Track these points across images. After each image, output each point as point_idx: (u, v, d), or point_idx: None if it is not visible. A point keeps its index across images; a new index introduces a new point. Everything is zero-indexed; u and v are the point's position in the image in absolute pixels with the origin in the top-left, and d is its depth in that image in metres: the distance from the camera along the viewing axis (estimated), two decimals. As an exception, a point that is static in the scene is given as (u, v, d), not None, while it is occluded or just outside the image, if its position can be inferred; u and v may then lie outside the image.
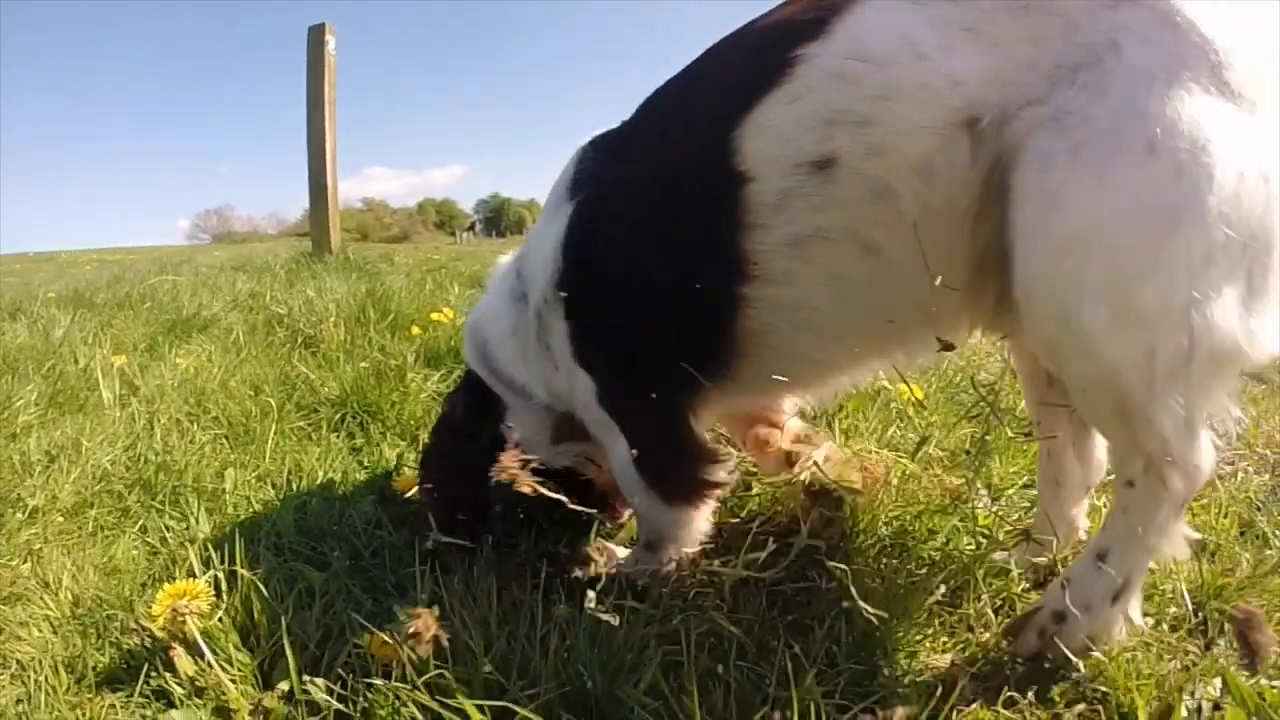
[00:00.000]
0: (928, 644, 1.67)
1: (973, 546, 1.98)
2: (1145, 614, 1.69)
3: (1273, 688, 1.50)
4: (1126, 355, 1.45)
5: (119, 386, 3.44)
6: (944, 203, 1.56)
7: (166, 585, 1.51)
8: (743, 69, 1.67)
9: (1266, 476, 2.75)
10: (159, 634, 1.53)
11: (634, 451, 1.84)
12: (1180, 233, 1.40)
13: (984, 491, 2.22)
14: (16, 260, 21.91)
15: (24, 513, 2.31)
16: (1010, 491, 2.27)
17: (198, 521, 2.23)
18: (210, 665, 1.42)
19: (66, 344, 4.38)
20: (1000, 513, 2.11)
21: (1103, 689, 1.51)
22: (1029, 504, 2.19)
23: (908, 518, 2.05)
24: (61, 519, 2.30)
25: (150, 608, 1.59)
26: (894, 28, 1.56)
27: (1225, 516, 2.29)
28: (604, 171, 1.86)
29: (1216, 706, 1.49)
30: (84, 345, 4.39)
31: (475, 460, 1.86)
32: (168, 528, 2.22)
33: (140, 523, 2.28)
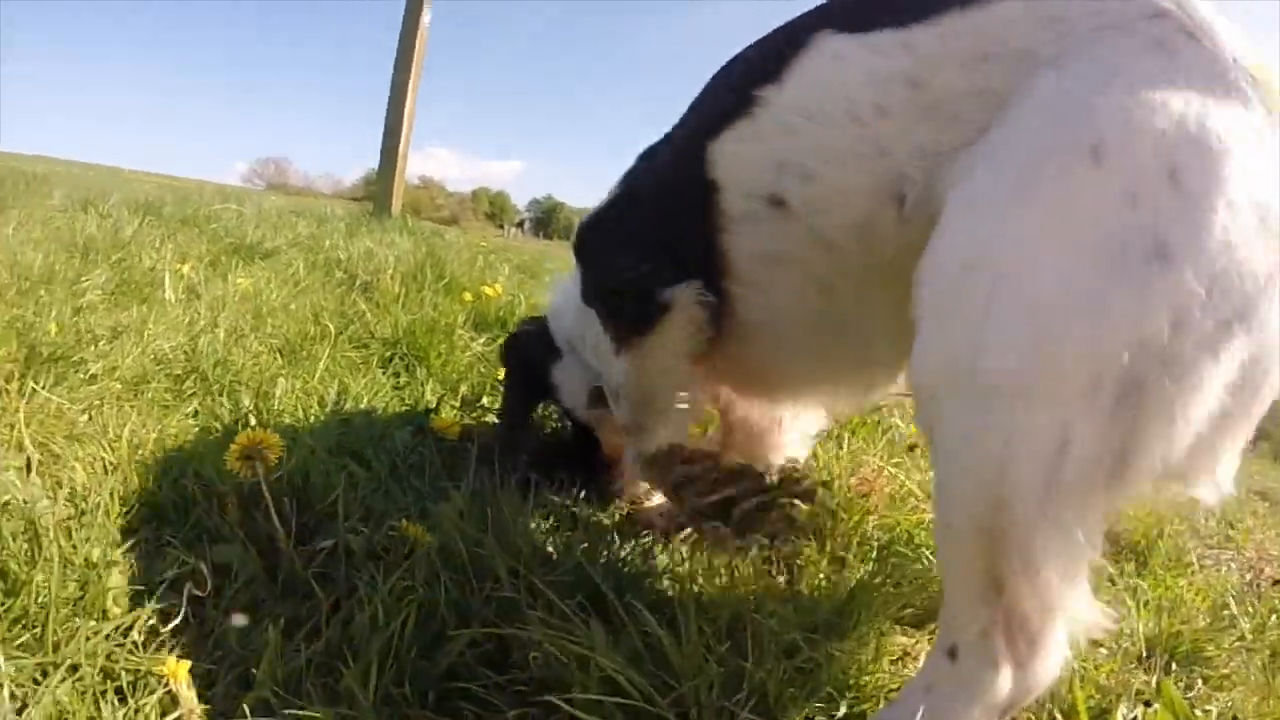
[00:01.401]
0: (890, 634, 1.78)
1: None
2: (1096, 641, 1.84)
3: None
4: (1023, 444, 1.16)
5: (182, 290, 3.59)
6: (884, 262, 1.51)
7: (243, 431, 1.64)
8: (725, 91, 1.78)
9: (1248, 575, 2.95)
10: (216, 482, 1.69)
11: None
12: (1129, 275, 1.15)
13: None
14: (82, 167, 22.28)
15: (85, 375, 2.43)
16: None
17: (250, 413, 2.37)
18: (262, 515, 1.57)
19: (135, 243, 4.54)
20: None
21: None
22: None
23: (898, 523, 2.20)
24: (120, 387, 2.42)
25: (203, 464, 1.76)
26: (836, 82, 1.56)
27: (1198, 595, 2.47)
28: (636, 170, 2.08)
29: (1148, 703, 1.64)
30: (151, 248, 4.55)
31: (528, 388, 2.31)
32: (218, 414, 2.36)
33: (194, 405, 2.42)
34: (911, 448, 2.97)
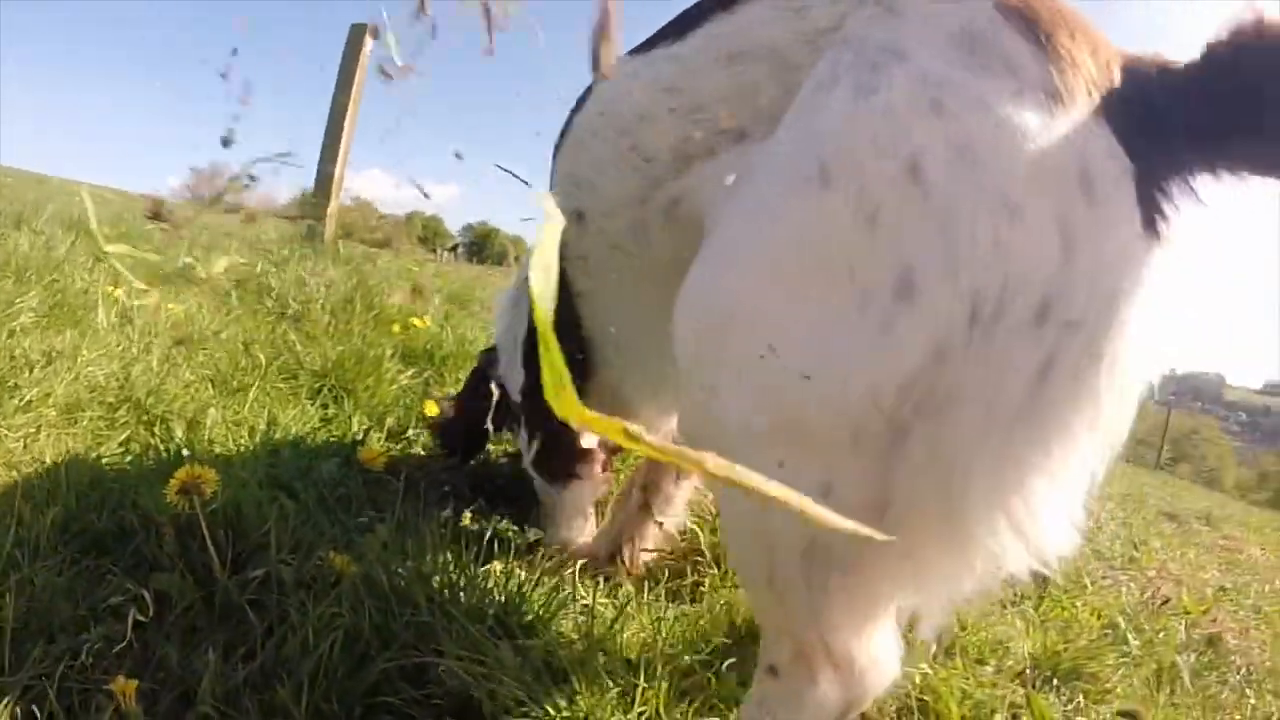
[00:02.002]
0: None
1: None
2: (980, 660, 2.04)
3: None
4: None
5: (115, 314, 3.65)
6: (669, 261, 1.47)
7: (181, 468, 1.76)
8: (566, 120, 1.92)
9: (1146, 595, 3.19)
10: (153, 513, 1.80)
11: (527, 438, 2.28)
12: (872, 314, 1.07)
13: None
14: (7, 174, 21.79)
15: (20, 401, 2.48)
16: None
17: (181, 446, 2.45)
18: (197, 545, 1.69)
19: (68, 263, 4.58)
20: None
21: (926, 698, 1.81)
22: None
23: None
24: (54, 414, 2.49)
25: (139, 494, 1.88)
26: (616, 98, 1.65)
27: (1092, 614, 2.72)
28: None
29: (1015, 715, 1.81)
30: (84, 269, 4.59)
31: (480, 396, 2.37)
32: (151, 444, 2.45)
33: (127, 434, 2.50)
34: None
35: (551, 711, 1.45)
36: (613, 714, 1.47)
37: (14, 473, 2.04)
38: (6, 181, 16.77)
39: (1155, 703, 2.14)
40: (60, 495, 1.87)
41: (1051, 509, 1.08)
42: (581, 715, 1.46)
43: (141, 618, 1.46)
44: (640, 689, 1.53)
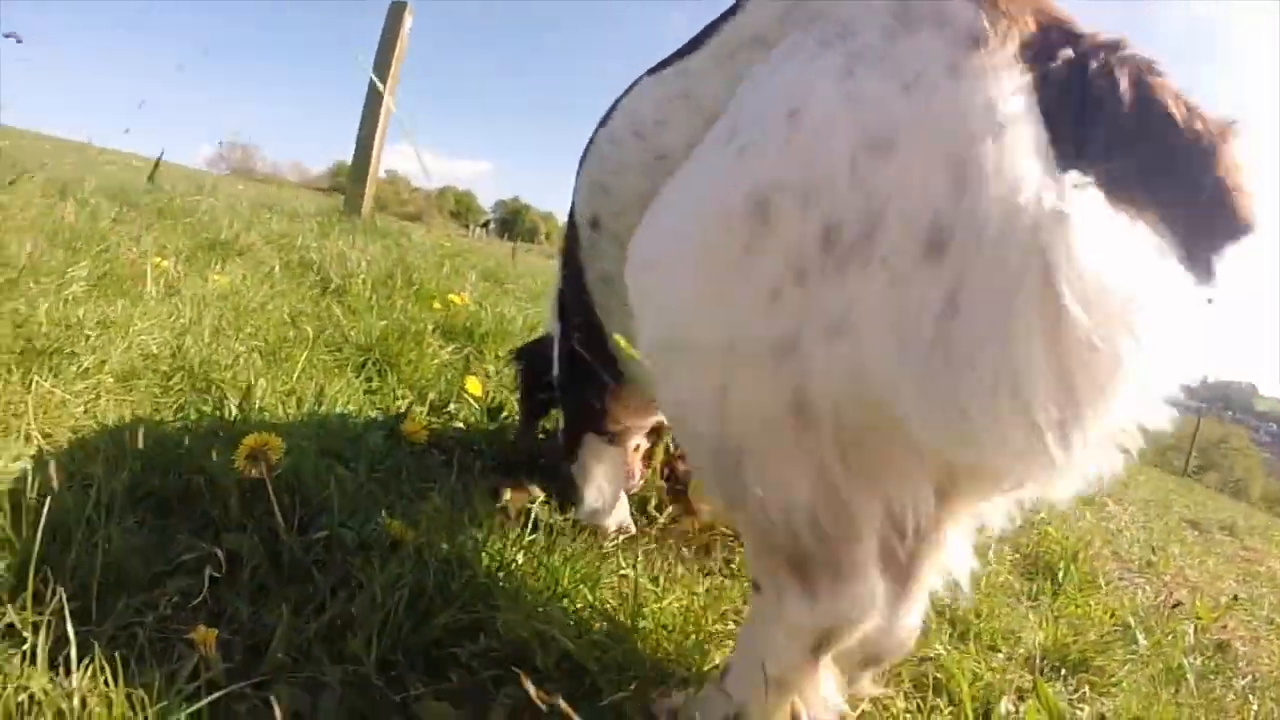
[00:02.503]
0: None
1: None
2: (993, 647, 2.14)
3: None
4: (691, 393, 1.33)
5: (162, 285, 3.74)
6: None
7: (249, 435, 1.85)
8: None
9: (1160, 598, 3.27)
10: (219, 477, 1.90)
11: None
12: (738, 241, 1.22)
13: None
14: (46, 140, 21.98)
15: (78, 368, 2.56)
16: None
17: (235, 414, 2.54)
18: (262, 509, 1.78)
19: (114, 234, 4.68)
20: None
21: (939, 676, 1.90)
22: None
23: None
24: (112, 381, 2.57)
25: (202, 458, 1.97)
26: (632, 110, 1.81)
27: (1104, 612, 2.80)
28: None
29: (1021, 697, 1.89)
30: (130, 240, 4.69)
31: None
32: (207, 412, 2.53)
33: (182, 401, 2.59)
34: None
35: (596, 666, 1.56)
36: (651, 670, 1.55)
37: (80, 436, 2.11)
38: (46, 149, 17.02)
39: (1159, 699, 2.20)
40: (127, 459, 1.94)
41: (981, 422, 1.10)
42: (622, 668, 1.57)
43: (215, 574, 1.55)
44: (675, 649, 1.62)
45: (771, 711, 1.38)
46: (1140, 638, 2.65)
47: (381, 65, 7.77)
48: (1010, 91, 1.11)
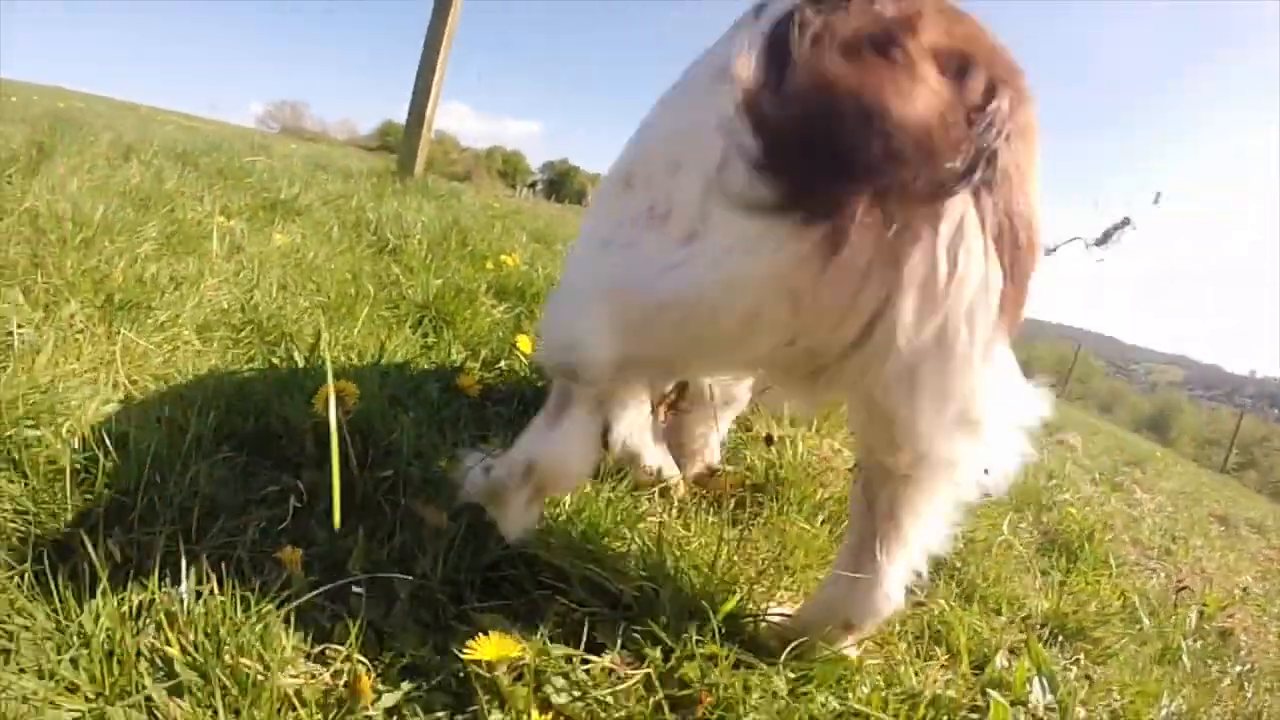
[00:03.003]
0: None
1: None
2: (997, 610, 2.29)
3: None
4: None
5: (227, 243, 3.93)
6: None
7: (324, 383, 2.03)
8: None
9: (1167, 583, 3.41)
10: (298, 420, 2.09)
11: None
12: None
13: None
14: (101, 102, 22.47)
15: (156, 322, 2.73)
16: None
17: (303, 363, 2.72)
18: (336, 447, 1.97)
19: (179, 193, 4.88)
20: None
21: (940, 629, 2.05)
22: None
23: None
24: (189, 333, 2.75)
25: (279, 403, 2.16)
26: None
27: (1113, 591, 2.93)
28: None
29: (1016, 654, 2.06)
30: (194, 199, 4.90)
31: None
32: (277, 363, 2.71)
33: (254, 353, 2.77)
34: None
35: (633, 593, 1.74)
36: (678, 604, 1.73)
37: (164, 384, 2.29)
38: (101, 110, 17.39)
39: (1149, 674, 2.34)
40: (209, 403, 2.11)
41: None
42: (649, 599, 1.73)
43: (298, 504, 1.74)
44: (701, 583, 1.80)
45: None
46: (1145, 618, 2.80)
47: (435, 27, 7.83)
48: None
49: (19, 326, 2.28)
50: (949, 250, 1.26)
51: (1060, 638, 2.41)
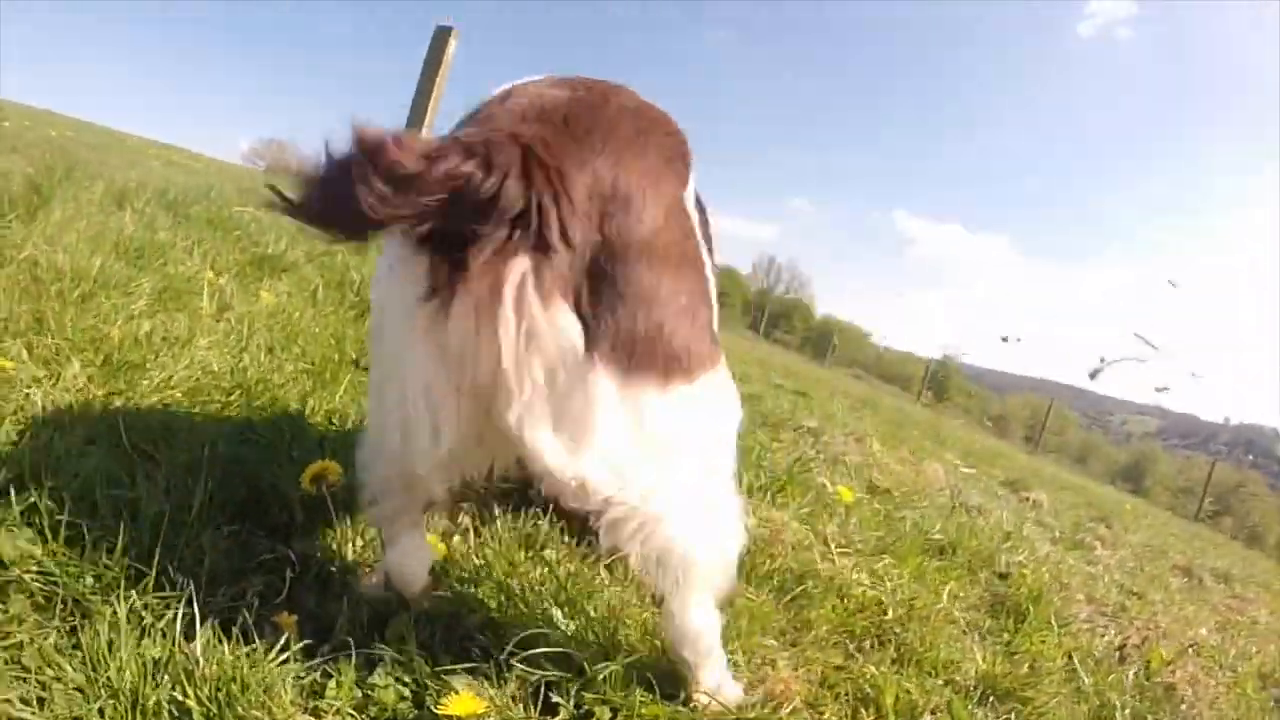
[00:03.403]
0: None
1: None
2: (933, 673, 2.54)
3: None
4: None
5: (215, 301, 4.12)
6: None
7: (314, 462, 2.25)
8: None
9: (1123, 640, 3.64)
10: (287, 490, 2.30)
11: None
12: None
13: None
14: (91, 131, 22.63)
15: (150, 383, 2.90)
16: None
17: (290, 432, 2.87)
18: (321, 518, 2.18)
19: (170, 246, 5.08)
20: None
21: (870, 691, 2.30)
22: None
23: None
24: (180, 395, 2.93)
25: (269, 472, 2.37)
26: None
27: (1056, 650, 3.15)
28: None
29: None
30: (184, 252, 5.09)
31: None
32: (265, 429, 2.85)
33: (244, 417, 2.92)
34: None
35: (585, 659, 1.91)
36: (626, 669, 1.93)
37: (158, 447, 2.44)
38: (91, 140, 17.55)
39: None
40: (203, 469, 2.27)
41: None
42: (603, 664, 1.90)
43: (291, 573, 1.96)
44: (649, 651, 2.03)
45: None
46: (1085, 676, 2.96)
47: (424, 87, 8.02)
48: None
49: (27, 387, 2.46)
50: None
51: (991, 698, 2.56)
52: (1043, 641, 3.18)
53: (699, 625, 1.83)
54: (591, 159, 1.57)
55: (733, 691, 1.96)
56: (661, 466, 1.66)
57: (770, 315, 61.61)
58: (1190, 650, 3.96)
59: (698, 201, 1.87)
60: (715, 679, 1.92)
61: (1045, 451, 38.79)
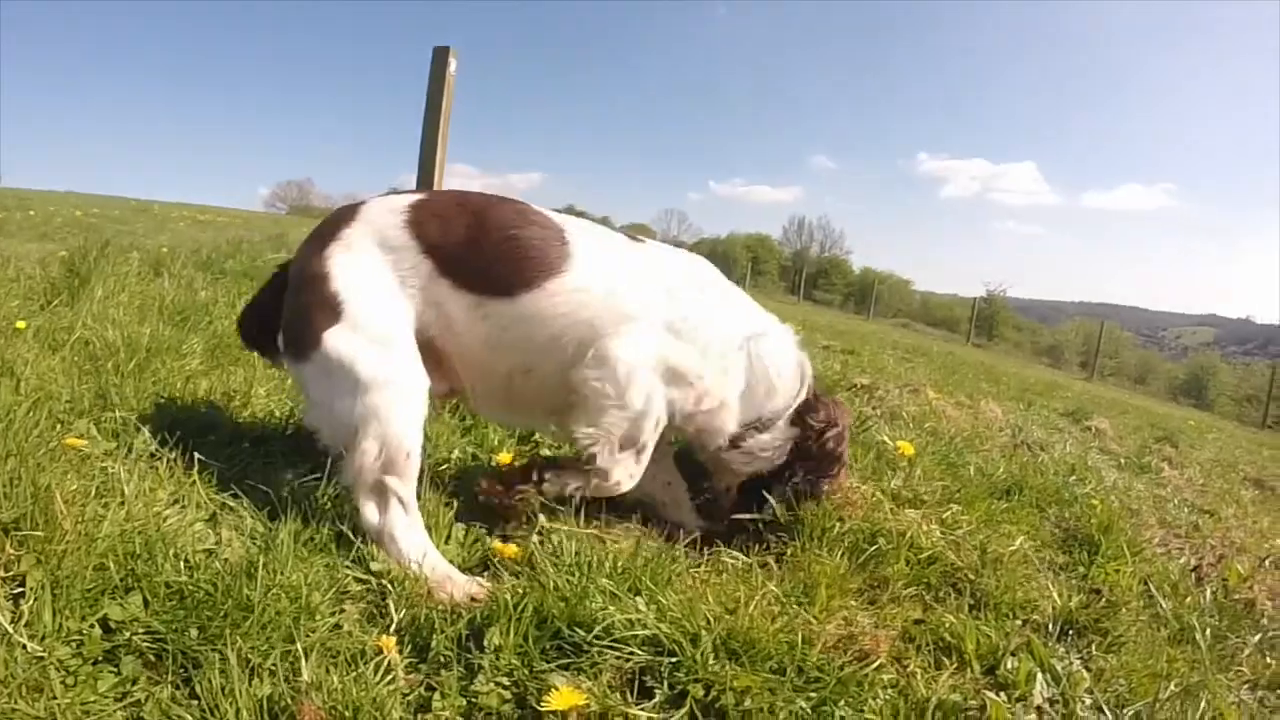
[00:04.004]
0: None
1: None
2: (1011, 615, 2.56)
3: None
4: None
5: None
6: None
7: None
8: None
9: (1193, 562, 3.65)
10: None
11: None
12: None
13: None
14: (114, 205, 22.98)
15: (216, 435, 3.02)
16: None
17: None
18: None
19: (213, 304, 5.20)
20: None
21: (951, 640, 2.34)
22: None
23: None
24: (247, 445, 3.03)
25: (342, 506, 2.47)
26: None
27: (1132, 577, 3.15)
28: None
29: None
30: (226, 306, 5.21)
31: None
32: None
33: (311, 462, 2.95)
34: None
35: (675, 640, 2.01)
36: (714, 644, 2.02)
37: (241, 498, 2.53)
38: (116, 214, 17.85)
39: (1163, 657, 2.54)
40: (287, 511, 2.38)
41: None
42: (691, 643, 2.01)
43: (379, 596, 2.05)
44: (733, 625, 2.09)
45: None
46: (1162, 601, 2.98)
47: (432, 110, 8.06)
48: None
49: (101, 462, 2.54)
50: None
51: (1071, 633, 2.60)
52: (1117, 571, 3.18)
53: None
54: None
55: None
56: None
57: (807, 276, 60.85)
58: (1268, 563, 3.94)
59: None
60: None
61: (1102, 376, 38.13)
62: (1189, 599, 3.12)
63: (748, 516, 2.97)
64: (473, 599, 2.18)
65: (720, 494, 3.22)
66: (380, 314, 2.53)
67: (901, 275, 68.06)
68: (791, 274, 63.97)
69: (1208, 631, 2.81)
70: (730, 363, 2.82)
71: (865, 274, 66.51)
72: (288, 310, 2.61)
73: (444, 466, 3.16)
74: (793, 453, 2.97)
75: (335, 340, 2.44)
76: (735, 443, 2.93)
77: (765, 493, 2.98)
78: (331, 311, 2.48)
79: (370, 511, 2.40)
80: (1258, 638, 2.89)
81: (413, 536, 2.39)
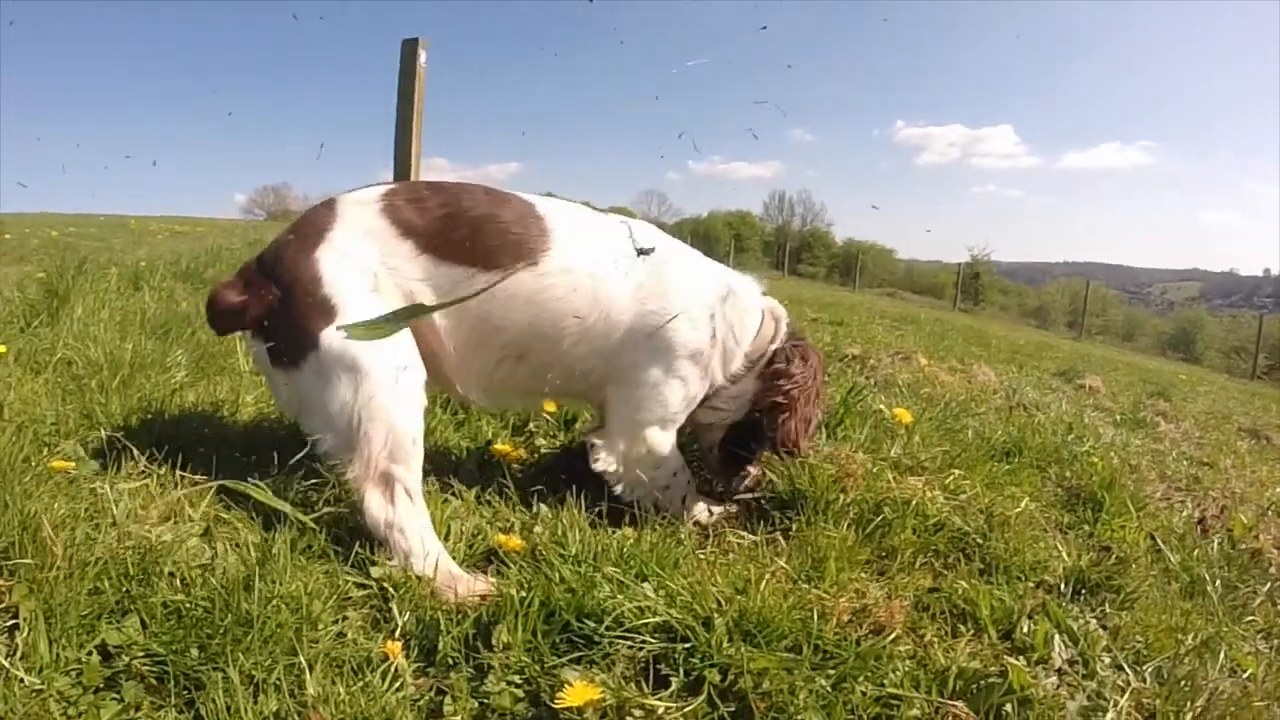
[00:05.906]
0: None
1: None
2: (1021, 578, 2.52)
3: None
4: None
5: (250, 359, 4.17)
6: None
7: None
8: None
9: (1197, 514, 3.64)
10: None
11: None
12: None
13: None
14: (90, 222, 22.81)
15: (206, 446, 2.97)
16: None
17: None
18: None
19: (195, 316, 5.13)
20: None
21: (965, 606, 2.32)
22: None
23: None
24: (238, 454, 2.98)
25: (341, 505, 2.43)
26: None
27: (1138, 533, 3.17)
28: None
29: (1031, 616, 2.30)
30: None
31: None
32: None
33: (304, 465, 2.95)
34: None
35: (686, 625, 1.97)
36: (727, 626, 1.98)
37: (235, 509, 2.48)
38: (93, 231, 17.75)
39: (1176, 610, 2.53)
40: (283, 519, 2.33)
41: None
42: (704, 627, 1.97)
43: (382, 601, 2.01)
44: (744, 606, 2.05)
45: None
46: (1170, 555, 2.98)
47: (404, 102, 7.97)
48: None
49: (91, 483, 2.49)
50: None
51: (1083, 592, 2.58)
52: (1123, 527, 3.20)
53: None
54: None
55: None
56: None
57: (791, 250, 60.78)
58: (1270, 512, 3.95)
59: None
60: None
61: (1090, 335, 38.28)
62: (1196, 551, 3.13)
63: (749, 495, 2.99)
64: (480, 597, 2.15)
65: (707, 455, 3.27)
66: (373, 306, 2.51)
67: (885, 245, 67.97)
68: (775, 249, 63.92)
69: (1218, 583, 2.82)
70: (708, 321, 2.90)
71: (849, 245, 66.26)
72: (277, 320, 2.56)
73: (440, 461, 3.11)
74: (759, 403, 3.02)
75: (333, 338, 2.43)
76: (705, 399, 3.00)
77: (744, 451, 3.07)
78: (326, 312, 2.48)
79: (376, 505, 2.36)
80: (1268, 586, 2.90)
81: (421, 530, 2.36)
